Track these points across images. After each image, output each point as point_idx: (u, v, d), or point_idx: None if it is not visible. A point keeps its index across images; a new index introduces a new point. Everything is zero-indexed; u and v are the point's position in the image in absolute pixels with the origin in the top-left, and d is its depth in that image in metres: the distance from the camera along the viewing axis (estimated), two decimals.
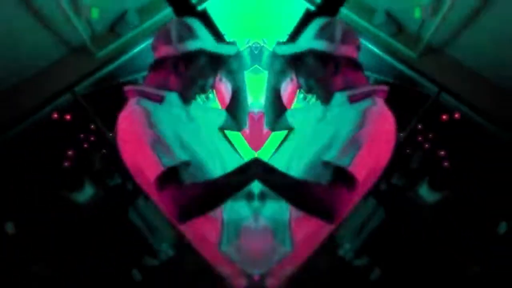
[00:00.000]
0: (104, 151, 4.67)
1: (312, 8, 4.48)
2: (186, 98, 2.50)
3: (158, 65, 2.47)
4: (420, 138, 4.47)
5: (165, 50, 2.41)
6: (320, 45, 2.41)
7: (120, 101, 4.32)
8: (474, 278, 4.16)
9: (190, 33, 2.46)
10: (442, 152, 4.42)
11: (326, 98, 2.48)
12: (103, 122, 4.69)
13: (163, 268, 4.58)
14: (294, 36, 4.17)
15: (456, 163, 4.38)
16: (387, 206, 4.55)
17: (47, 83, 4.64)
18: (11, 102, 4.57)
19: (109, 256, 4.50)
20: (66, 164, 4.54)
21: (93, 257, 4.47)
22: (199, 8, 4.25)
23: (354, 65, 2.46)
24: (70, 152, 4.58)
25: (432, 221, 4.43)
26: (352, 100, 2.34)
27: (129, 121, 2.30)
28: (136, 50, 4.73)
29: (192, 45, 2.42)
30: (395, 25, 4.60)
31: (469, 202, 4.33)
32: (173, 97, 2.40)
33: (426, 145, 4.44)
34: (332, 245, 4.70)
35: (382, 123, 2.30)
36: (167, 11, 4.57)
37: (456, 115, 4.46)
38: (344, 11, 4.38)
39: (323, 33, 2.43)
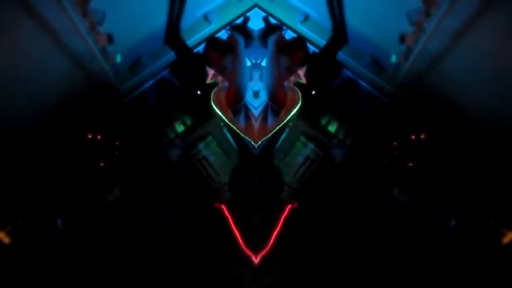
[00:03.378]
0: (126, 161, 5.84)
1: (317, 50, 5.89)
2: None
3: None
4: (395, 152, 5.75)
5: None
6: None
7: (139, 123, 5.91)
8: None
9: None
10: (411, 164, 5.71)
11: None
12: (127, 139, 5.88)
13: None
14: None
15: (421, 170, 5.64)
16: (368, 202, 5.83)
17: (85, 111, 5.64)
18: (60, 128, 5.44)
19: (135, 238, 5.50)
20: (100, 171, 5.69)
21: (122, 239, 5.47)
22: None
23: None
24: (102, 164, 5.74)
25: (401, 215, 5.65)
26: None
27: None
28: (149, 84, 5.95)
29: None
30: (378, 66, 5.82)
31: (430, 199, 5.54)
32: None
33: (397, 156, 5.72)
34: (324, 230, 5.96)
35: None
36: (171, 54, 5.85)
37: (422, 136, 5.79)
38: (341, 54, 5.68)
39: None
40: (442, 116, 5.69)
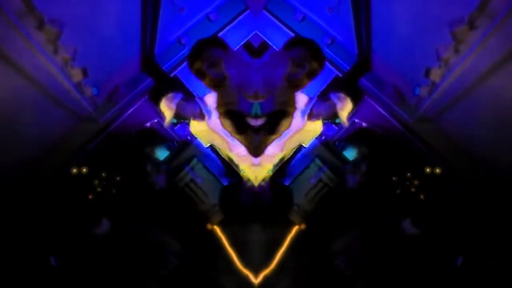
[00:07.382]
0: (114, 191, 5.71)
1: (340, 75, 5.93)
2: None
3: None
4: (407, 183, 5.68)
5: None
6: None
7: (120, 152, 5.78)
8: None
9: None
10: (422, 196, 5.63)
11: None
12: (111, 169, 5.73)
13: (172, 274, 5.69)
14: (324, 93, 5.60)
15: (431, 204, 5.57)
16: (376, 232, 5.77)
17: (67, 146, 5.64)
18: (43, 164, 5.49)
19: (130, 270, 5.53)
20: (88, 204, 5.57)
21: (117, 272, 5.48)
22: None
23: None
24: (90, 196, 5.61)
25: (408, 249, 5.53)
26: None
27: None
28: (129, 112, 5.82)
29: None
30: (399, 96, 5.78)
31: (436, 236, 5.44)
32: None
33: (412, 189, 5.65)
34: (330, 255, 5.90)
35: None
36: (148, 81, 5.88)
37: (437, 170, 5.71)
38: (363, 81, 5.70)
39: None
40: (456, 153, 5.65)
